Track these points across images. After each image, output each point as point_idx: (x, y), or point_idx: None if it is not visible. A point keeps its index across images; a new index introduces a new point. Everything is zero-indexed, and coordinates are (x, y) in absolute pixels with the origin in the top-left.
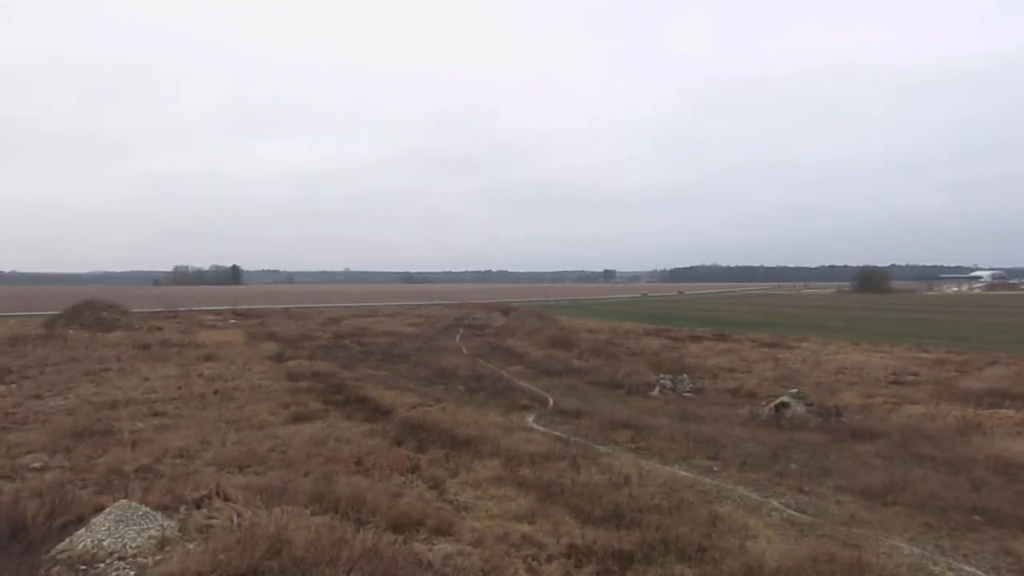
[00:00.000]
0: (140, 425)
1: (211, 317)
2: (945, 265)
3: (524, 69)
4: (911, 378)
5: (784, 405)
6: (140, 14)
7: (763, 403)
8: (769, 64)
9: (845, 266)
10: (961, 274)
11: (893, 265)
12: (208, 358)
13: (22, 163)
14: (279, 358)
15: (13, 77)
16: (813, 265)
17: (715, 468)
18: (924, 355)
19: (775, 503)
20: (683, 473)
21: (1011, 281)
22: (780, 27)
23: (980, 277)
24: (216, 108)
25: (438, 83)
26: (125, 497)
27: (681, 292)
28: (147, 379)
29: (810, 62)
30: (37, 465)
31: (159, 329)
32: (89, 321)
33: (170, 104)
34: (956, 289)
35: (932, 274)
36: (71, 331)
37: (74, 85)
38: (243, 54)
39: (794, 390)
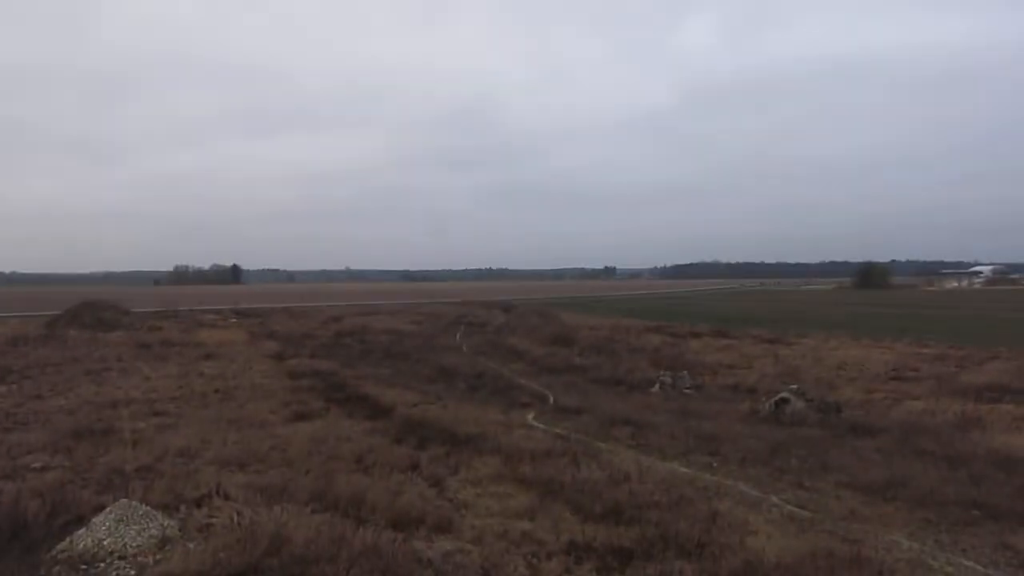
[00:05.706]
0: (141, 424)
1: (211, 316)
2: (946, 260)
3: (528, 63)
4: (912, 374)
5: (784, 401)
6: (138, 8)
7: (763, 399)
8: (770, 61)
9: (846, 262)
10: (961, 269)
11: (894, 261)
12: (208, 357)
13: (29, 165)
14: (280, 357)
15: (22, 81)
16: (814, 261)
17: (715, 464)
18: (925, 350)
19: (775, 499)
20: (683, 469)
21: (1012, 276)
22: (781, 24)
23: (980, 272)
24: (218, 108)
25: (441, 78)
26: (126, 496)
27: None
28: (148, 379)
29: (810, 59)
30: (37, 465)
31: (159, 329)
32: (90, 321)
33: (172, 104)
34: (956, 284)
35: (932, 269)
36: (72, 331)
37: (78, 87)
38: (246, 51)
39: (794, 386)
